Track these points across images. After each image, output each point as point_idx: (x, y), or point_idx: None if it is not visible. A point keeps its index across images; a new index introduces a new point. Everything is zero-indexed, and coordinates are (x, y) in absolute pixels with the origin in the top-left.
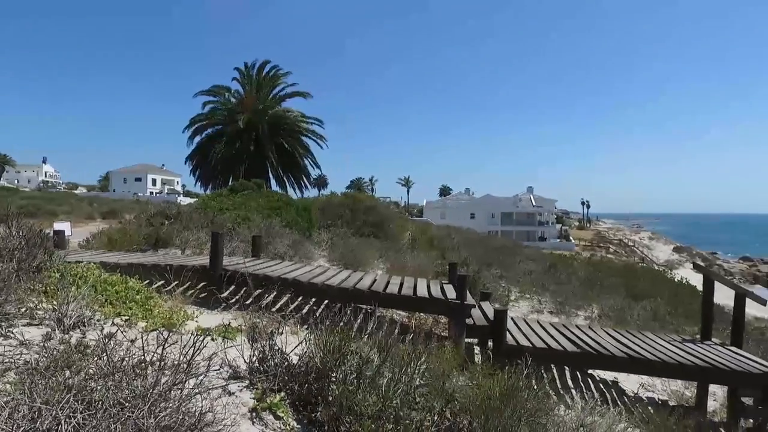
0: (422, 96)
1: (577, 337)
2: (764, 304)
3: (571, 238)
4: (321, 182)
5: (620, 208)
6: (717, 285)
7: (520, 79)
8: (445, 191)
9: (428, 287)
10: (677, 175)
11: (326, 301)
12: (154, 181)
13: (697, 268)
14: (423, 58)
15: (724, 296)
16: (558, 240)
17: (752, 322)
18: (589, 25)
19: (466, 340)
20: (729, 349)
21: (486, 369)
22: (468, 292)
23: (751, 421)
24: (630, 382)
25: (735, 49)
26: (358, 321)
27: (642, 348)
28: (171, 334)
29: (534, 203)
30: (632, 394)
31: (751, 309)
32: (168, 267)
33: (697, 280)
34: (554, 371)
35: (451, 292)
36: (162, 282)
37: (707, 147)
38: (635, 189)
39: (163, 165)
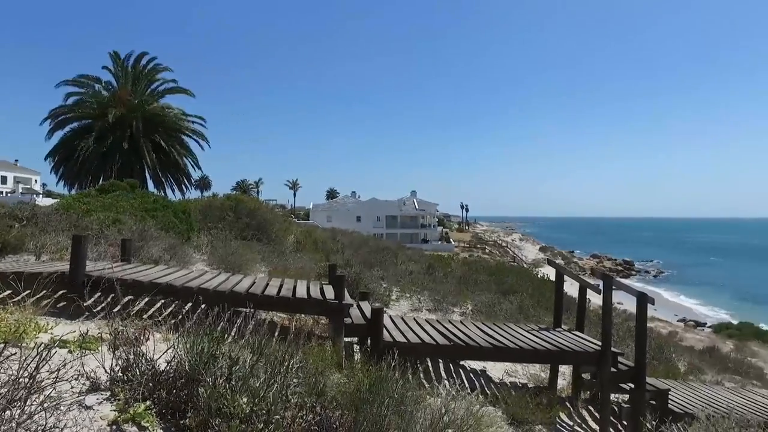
0: (311, 98)
1: (449, 331)
2: (599, 293)
3: (451, 239)
4: (204, 184)
5: (496, 211)
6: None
7: (403, 83)
8: (332, 194)
9: (308, 289)
10: (552, 182)
11: (203, 306)
12: (4, 179)
13: (550, 263)
14: (330, 69)
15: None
16: (439, 242)
17: (597, 310)
18: (443, 33)
19: (346, 339)
20: (574, 334)
21: (362, 365)
22: (348, 292)
23: (589, 392)
24: (497, 370)
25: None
26: (238, 324)
27: (505, 338)
28: (15, 347)
29: (417, 207)
30: (498, 381)
31: (596, 298)
32: (17, 274)
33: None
34: (429, 364)
35: (330, 293)
36: (9, 292)
37: (581, 158)
38: (511, 194)
39: (16, 161)
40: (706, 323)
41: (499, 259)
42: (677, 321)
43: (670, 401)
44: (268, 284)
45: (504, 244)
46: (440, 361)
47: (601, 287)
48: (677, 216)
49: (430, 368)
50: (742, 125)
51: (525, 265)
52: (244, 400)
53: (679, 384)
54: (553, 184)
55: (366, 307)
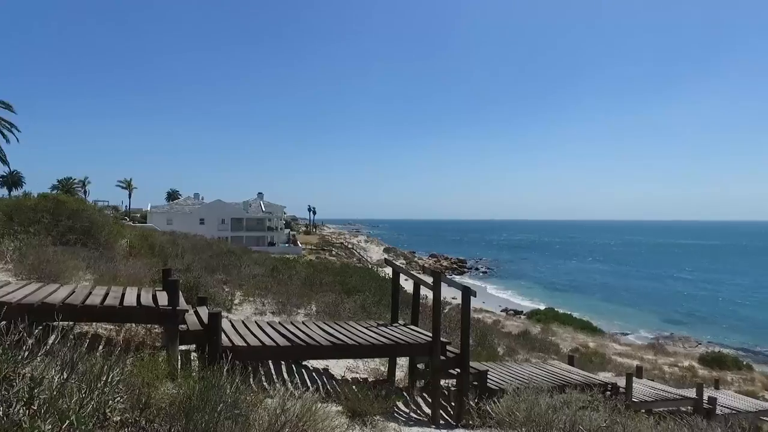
0: (154, 92)
1: (291, 332)
2: (431, 288)
3: (298, 242)
4: (13, 181)
5: (344, 214)
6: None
7: (252, 81)
8: (173, 196)
9: (138, 296)
10: (394, 185)
11: (2, 323)
12: None
13: (388, 263)
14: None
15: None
16: (287, 244)
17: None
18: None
19: (183, 346)
20: (410, 328)
21: (199, 373)
22: (185, 298)
23: (423, 380)
24: (339, 368)
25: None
26: (51, 341)
27: (345, 336)
28: None
29: (264, 209)
30: (340, 378)
31: (431, 294)
32: None
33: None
34: (271, 366)
35: (163, 299)
36: None
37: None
38: (358, 196)
39: None
40: (522, 311)
41: (345, 261)
42: (500, 311)
43: (488, 380)
44: (90, 293)
45: (350, 246)
46: (283, 363)
47: (431, 283)
48: (501, 218)
49: (272, 371)
50: (540, 134)
51: (370, 266)
52: (49, 425)
53: (496, 365)
54: (396, 187)
55: (204, 312)
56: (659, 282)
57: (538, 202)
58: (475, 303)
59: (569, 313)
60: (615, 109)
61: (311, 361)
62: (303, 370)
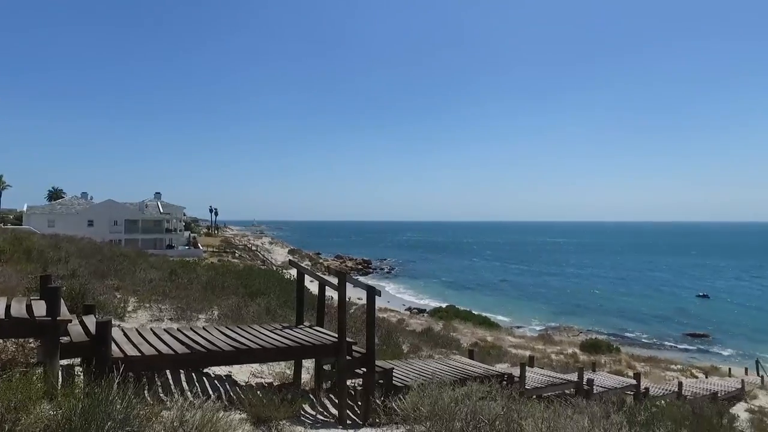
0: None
1: (190, 339)
2: (336, 289)
3: (199, 244)
4: None
5: (247, 215)
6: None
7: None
8: (56, 195)
9: (8, 306)
10: (303, 187)
11: None
12: None
13: (292, 264)
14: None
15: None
16: (187, 247)
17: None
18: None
19: (66, 361)
20: (315, 329)
21: (84, 389)
22: (69, 307)
23: (330, 382)
24: (243, 373)
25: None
26: None
27: (248, 340)
28: None
29: (162, 210)
30: (244, 383)
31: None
32: None
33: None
34: (168, 376)
35: (41, 309)
36: None
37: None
38: (263, 198)
39: None
40: (425, 310)
41: (249, 263)
42: (405, 310)
43: (394, 378)
44: None
45: (254, 248)
46: (182, 372)
47: (336, 284)
48: (401, 219)
49: (171, 381)
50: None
51: (275, 268)
52: None
53: (402, 362)
54: (301, 189)
55: (91, 321)
56: (548, 277)
57: (437, 203)
58: (380, 303)
59: (469, 309)
60: (514, 112)
61: (214, 368)
62: (204, 378)
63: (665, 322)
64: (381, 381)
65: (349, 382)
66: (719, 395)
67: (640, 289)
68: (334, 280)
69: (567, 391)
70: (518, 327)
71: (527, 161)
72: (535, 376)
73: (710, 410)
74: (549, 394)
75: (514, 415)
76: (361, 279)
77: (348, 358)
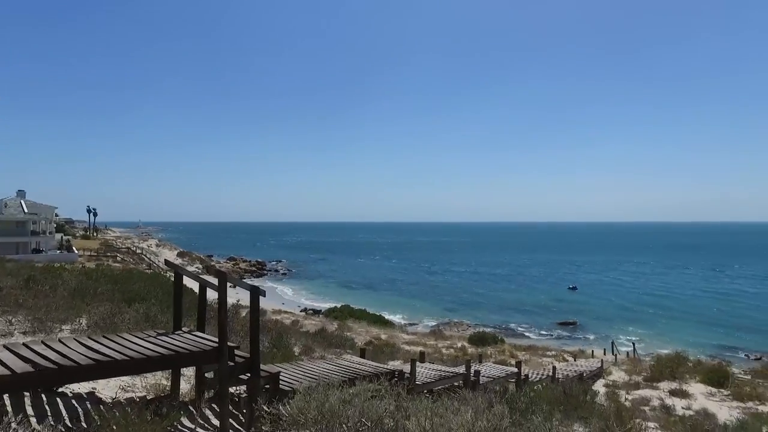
0: None
1: (39, 354)
2: (216, 289)
3: (74, 248)
4: None
5: (132, 216)
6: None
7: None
8: None
9: None
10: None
11: None
12: None
13: (168, 265)
14: None
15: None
16: (58, 251)
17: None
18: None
19: None
20: (194, 334)
21: None
22: None
23: (213, 390)
24: (110, 389)
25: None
26: None
27: (114, 350)
28: None
29: (26, 210)
30: (111, 400)
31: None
32: None
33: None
34: (6, 401)
35: None
36: None
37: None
38: (152, 198)
39: None
40: (321, 310)
41: (132, 267)
42: (300, 311)
43: (281, 382)
44: None
45: (139, 251)
46: (27, 393)
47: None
48: (293, 220)
49: (9, 406)
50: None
51: (161, 272)
52: None
53: (291, 365)
54: (192, 189)
55: None
56: (439, 275)
57: (328, 204)
58: (274, 304)
59: (364, 309)
60: (400, 114)
61: (73, 386)
62: (59, 399)
63: (541, 313)
64: (267, 386)
65: (233, 389)
66: (585, 375)
67: (520, 284)
68: (215, 281)
69: (456, 384)
70: (411, 324)
71: (409, 162)
72: (425, 372)
73: (578, 389)
74: (439, 387)
75: (401, 412)
76: (256, 281)
77: (231, 363)
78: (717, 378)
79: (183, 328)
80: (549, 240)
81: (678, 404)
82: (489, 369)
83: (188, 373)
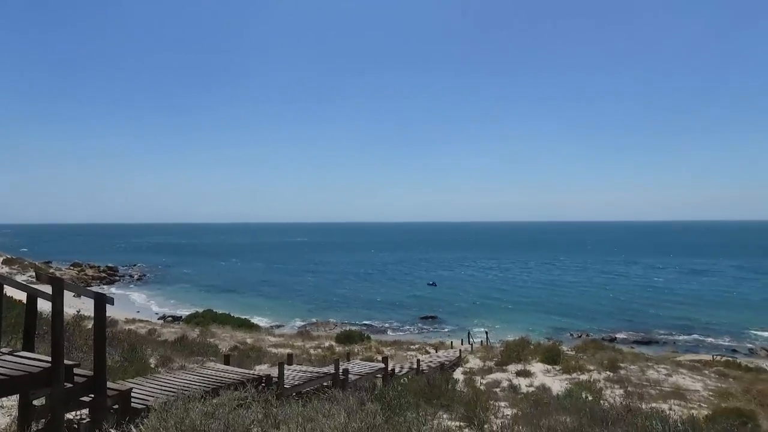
0: None
1: None
2: (49, 299)
3: None
4: None
5: None
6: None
7: None
8: None
9: None
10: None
11: None
12: None
13: None
14: None
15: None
16: None
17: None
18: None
19: None
20: (17, 355)
21: None
22: None
23: (44, 420)
24: None
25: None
26: None
27: None
28: None
29: None
30: None
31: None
32: None
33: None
34: None
35: None
36: None
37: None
38: None
39: None
40: (181, 316)
41: None
42: (158, 319)
43: (133, 400)
44: None
45: None
46: None
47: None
48: (138, 221)
49: None
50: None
51: None
52: None
53: (146, 379)
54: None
55: None
56: (304, 276)
57: (186, 204)
58: (127, 313)
59: (228, 313)
60: (284, 113)
61: None
62: None
63: (404, 310)
64: (116, 406)
65: (72, 415)
66: (445, 365)
67: (382, 282)
68: (48, 289)
69: (326, 384)
70: (279, 326)
71: (285, 163)
72: (294, 374)
73: (440, 379)
74: (309, 389)
75: (270, 420)
76: (106, 289)
77: (68, 385)
78: (552, 356)
79: (2, 349)
80: (405, 239)
81: (523, 383)
82: (357, 366)
83: (8, 403)
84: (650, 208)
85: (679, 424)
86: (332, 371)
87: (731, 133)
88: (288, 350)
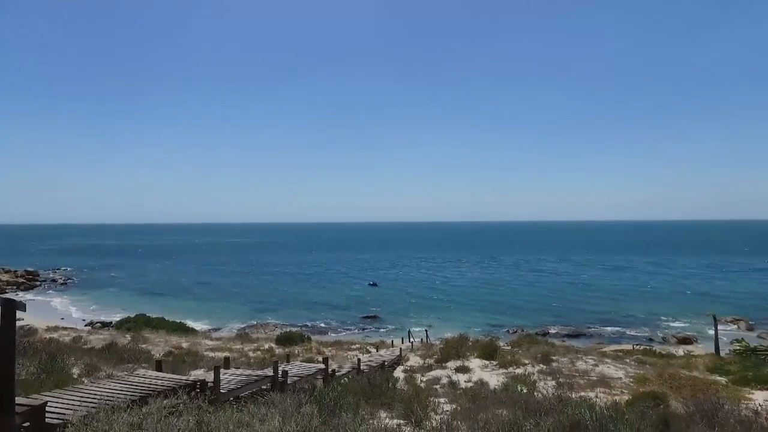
0: None
1: None
2: None
3: None
4: None
5: None
6: None
7: None
8: None
9: None
10: None
11: None
12: None
13: None
14: None
15: None
16: None
17: None
18: None
19: None
20: None
21: None
22: None
23: None
24: None
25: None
26: None
27: None
28: None
29: None
30: None
31: None
32: None
33: None
34: None
35: None
36: None
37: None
38: None
39: None
40: (111, 322)
41: None
42: (85, 325)
43: (48, 415)
44: None
45: None
46: None
47: None
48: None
49: None
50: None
51: None
52: None
53: (65, 391)
54: None
55: None
56: (243, 277)
57: (118, 203)
58: (49, 320)
59: (162, 317)
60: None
61: None
62: None
63: (346, 309)
64: (27, 424)
65: None
66: (386, 363)
67: (325, 283)
68: None
69: (265, 387)
70: (216, 329)
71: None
72: (231, 378)
73: (380, 378)
74: (246, 393)
75: (203, 428)
76: (26, 295)
77: None
78: (489, 352)
79: None
80: (345, 239)
81: (462, 379)
82: (297, 368)
83: None
84: (584, 209)
85: (604, 411)
86: (271, 373)
87: (656, 141)
88: (226, 353)
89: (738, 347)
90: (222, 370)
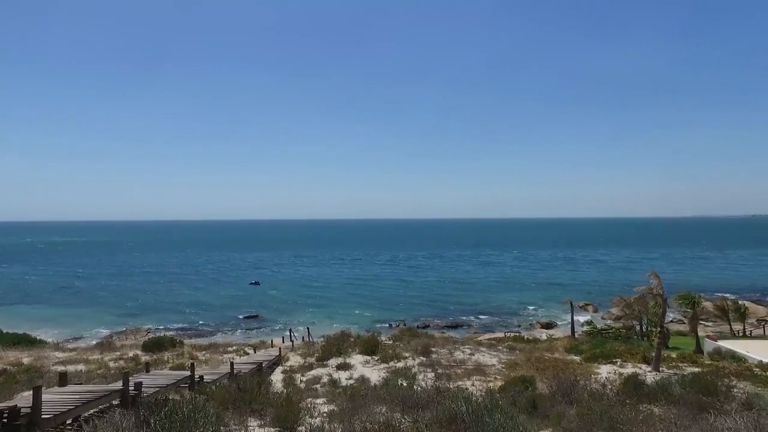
0: None
1: None
2: None
3: None
4: None
5: None
6: None
7: None
8: None
9: None
10: None
11: None
12: None
13: None
14: None
15: None
16: None
17: None
18: None
19: None
20: None
21: None
22: None
23: None
24: None
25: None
26: None
27: None
28: None
29: None
30: None
31: None
32: None
33: None
34: None
35: None
36: None
37: None
38: None
39: None
40: None
41: None
42: None
43: None
44: None
45: None
46: None
47: None
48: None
49: None
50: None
51: None
52: None
53: None
54: None
55: None
56: (110, 280)
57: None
58: None
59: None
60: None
61: None
62: None
63: (225, 309)
64: None
65: None
66: (264, 365)
67: (202, 283)
68: None
69: (115, 402)
70: (76, 338)
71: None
72: (64, 398)
73: (252, 382)
74: (86, 414)
75: None
76: None
77: None
78: (371, 347)
79: None
80: (223, 237)
81: (343, 376)
82: (156, 378)
83: None
84: (461, 208)
85: (479, 400)
86: (120, 387)
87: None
88: (81, 366)
89: (587, 329)
90: (56, 389)
